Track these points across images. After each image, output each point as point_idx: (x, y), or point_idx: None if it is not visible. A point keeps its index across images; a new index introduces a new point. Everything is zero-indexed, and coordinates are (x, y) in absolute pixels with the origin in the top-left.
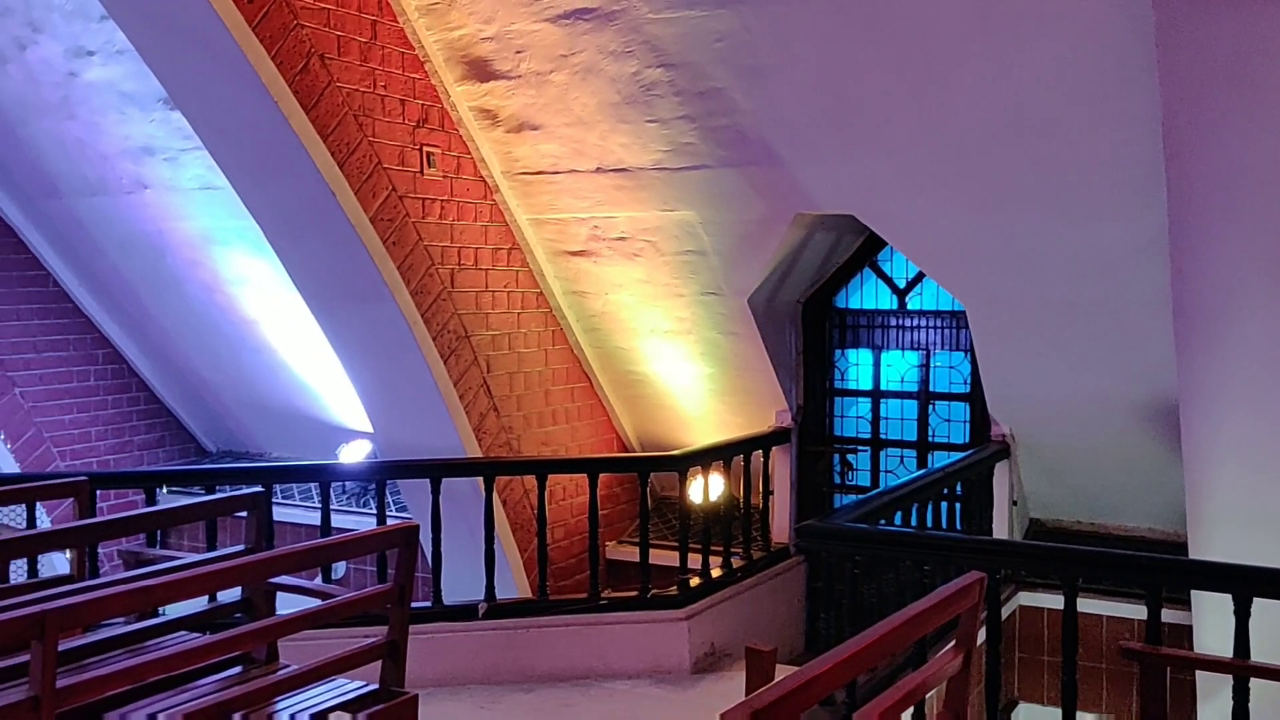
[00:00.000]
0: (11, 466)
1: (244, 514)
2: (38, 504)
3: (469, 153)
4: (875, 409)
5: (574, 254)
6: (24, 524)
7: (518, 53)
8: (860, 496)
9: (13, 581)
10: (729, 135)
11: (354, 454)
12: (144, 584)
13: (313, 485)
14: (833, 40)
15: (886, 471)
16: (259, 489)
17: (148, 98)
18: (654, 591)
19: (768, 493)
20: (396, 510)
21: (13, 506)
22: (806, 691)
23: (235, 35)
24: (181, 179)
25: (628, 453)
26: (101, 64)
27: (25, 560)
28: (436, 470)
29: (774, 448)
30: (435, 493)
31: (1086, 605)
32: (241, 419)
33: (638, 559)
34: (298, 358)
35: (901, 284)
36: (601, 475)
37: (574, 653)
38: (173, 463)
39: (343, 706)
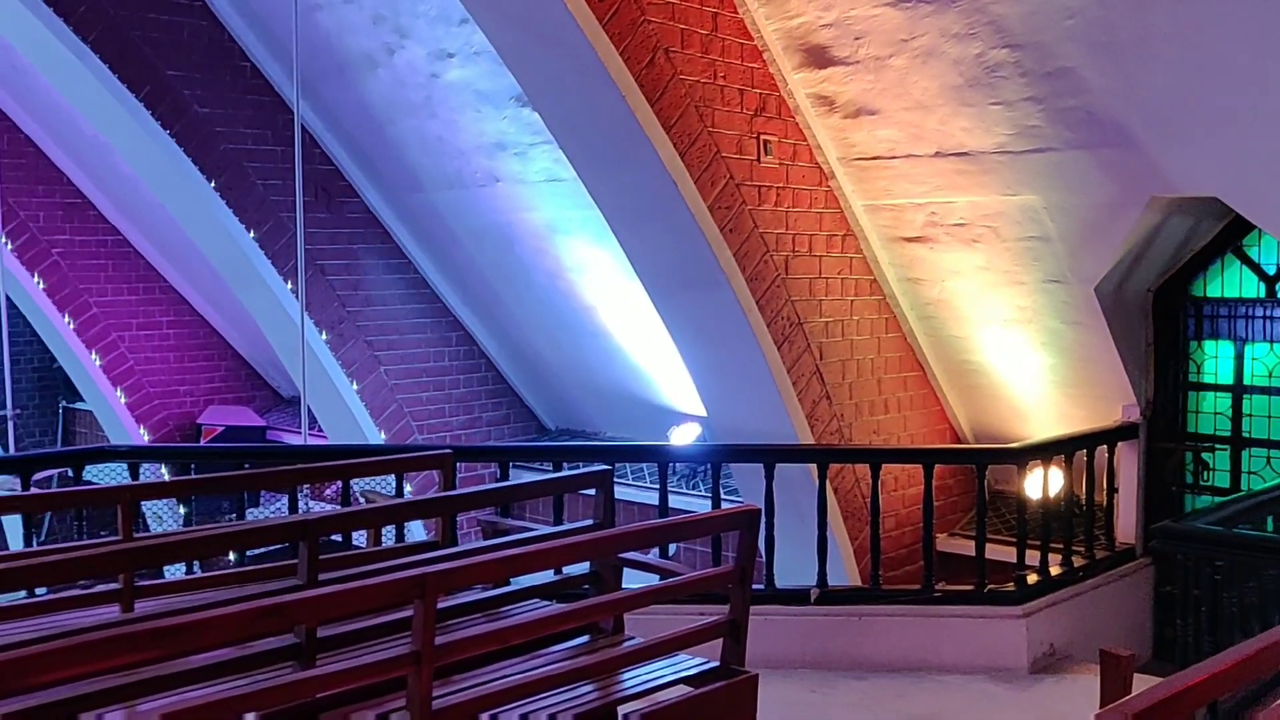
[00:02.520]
0: (377, 439)
1: (589, 490)
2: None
3: (805, 140)
4: (1236, 405)
5: (909, 240)
6: (392, 492)
7: (856, 38)
8: (1220, 499)
9: (384, 545)
10: (1078, 116)
11: (684, 437)
12: (513, 553)
13: (644, 465)
14: (1198, 10)
15: (1250, 473)
16: (606, 467)
17: (501, 96)
18: (990, 586)
19: (1112, 490)
20: (726, 494)
21: (382, 476)
22: (1184, 699)
23: (587, 33)
24: (530, 172)
25: (961, 444)
26: (460, 65)
27: (393, 526)
28: (771, 455)
29: (1119, 443)
30: (769, 478)
31: None
32: (579, 399)
33: (970, 552)
34: (633, 342)
35: (1271, 270)
36: (935, 466)
37: (906, 643)
38: (516, 439)
39: (685, 681)
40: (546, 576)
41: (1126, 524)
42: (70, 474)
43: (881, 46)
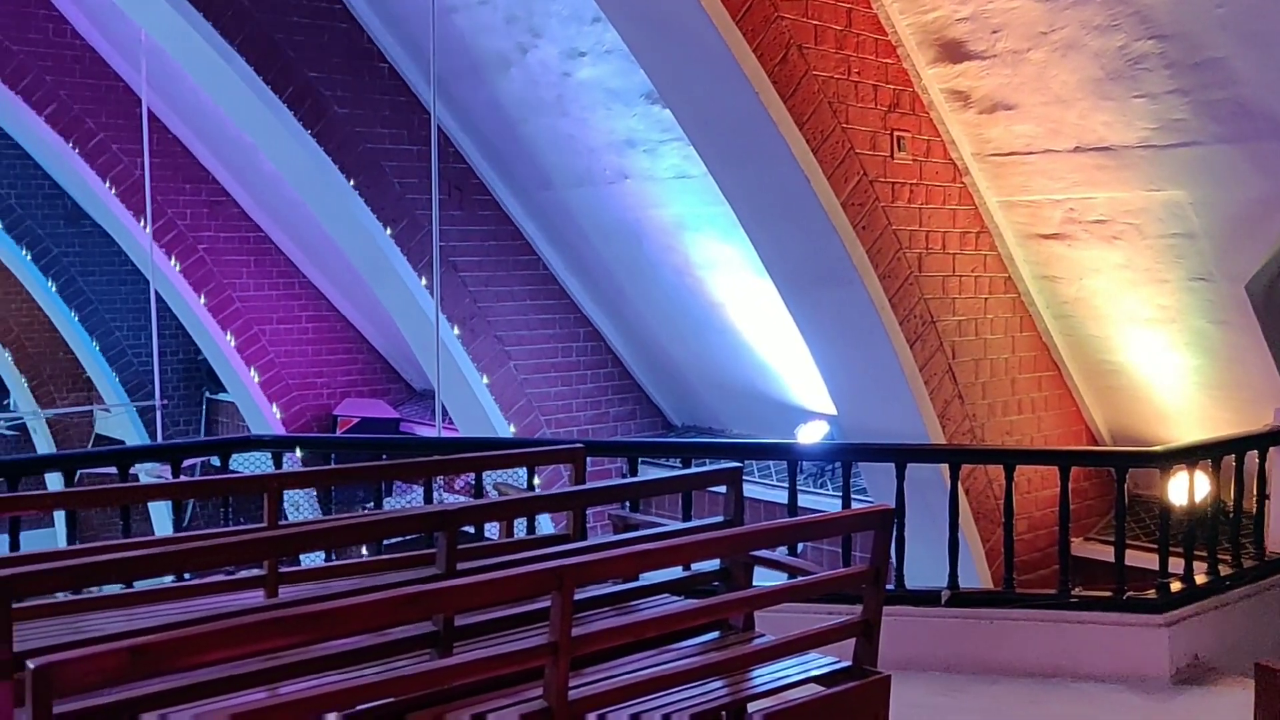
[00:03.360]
0: (506, 432)
1: (718, 488)
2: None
3: (939, 136)
4: None
5: (1046, 237)
6: (522, 485)
7: (994, 32)
8: None
9: (515, 537)
10: (1228, 109)
11: (811, 435)
12: (649, 547)
13: (769, 463)
14: None
15: None
16: (737, 464)
17: (631, 93)
18: (1130, 593)
19: (1263, 497)
20: (854, 493)
21: (513, 470)
22: None
23: (720, 29)
24: (659, 169)
25: (1098, 446)
26: (591, 64)
27: (525, 518)
28: (902, 455)
29: (1271, 448)
30: (900, 477)
31: None
32: (704, 396)
33: (1106, 558)
34: (760, 339)
35: None
36: (1072, 469)
37: (1040, 649)
38: (642, 435)
39: (816, 680)
40: (675, 572)
41: (1278, 532)
42: (216, 462)
43: (1019, 40)
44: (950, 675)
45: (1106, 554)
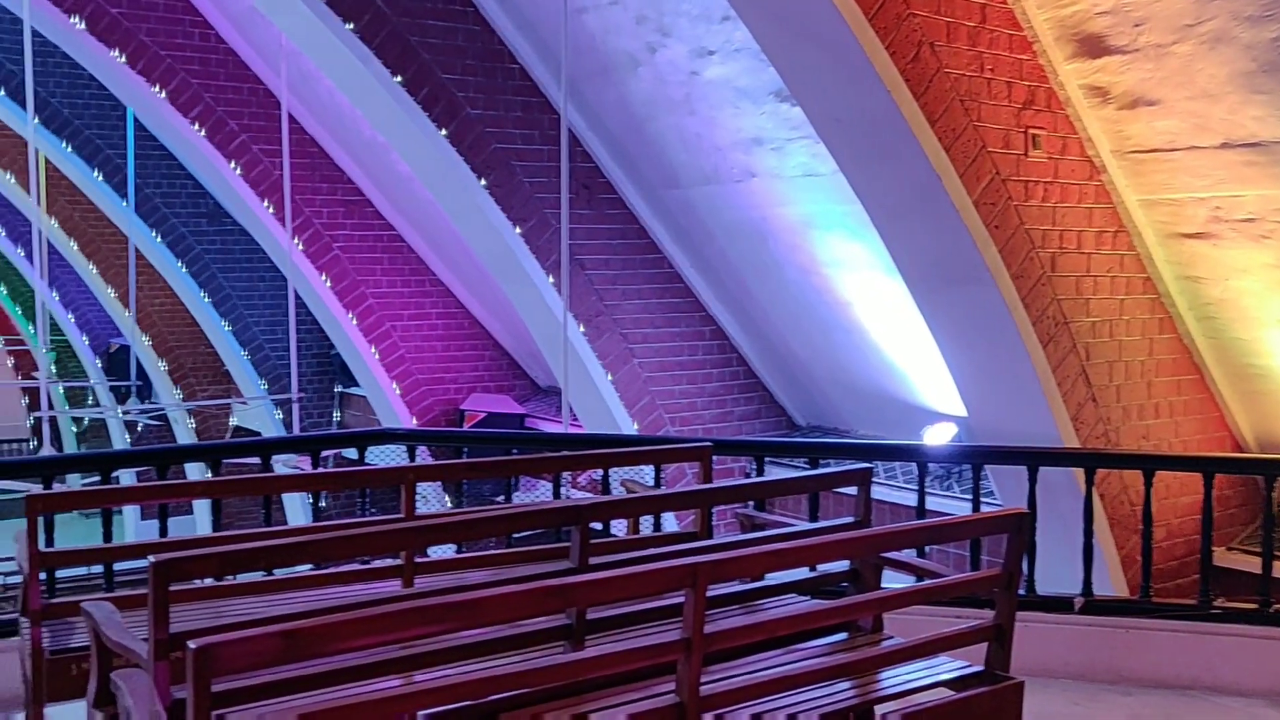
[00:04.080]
0: (629, 429)
1: (846, 489)
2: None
3: (1075, 133)
4: None
5: (1190, 236)
6: (649, 482)
7: (1136, 25)
8: None
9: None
10: None
11: (938, 436)
12: (781, 546)
13: (896, 464)
14: None
15: None
16: (867, 465)
17: (760, 91)
18: (1276, 606)
19: None
20: (983, 496)
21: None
22: None
23: (852, 27)
24: (786, 167)
25: (1244, 452)
26: (720, 62)
27: (652, 516)
28: (1035, 458)
29: None
30: (1032, 481)
31: None
32: (830, 396)
33: (1251, 568)
34: (888, 339)
35: None
36: (1215, 475)
37: (1177, 660)
38: (767, 434)
39: (946, 684)
40: (800, 572)
41: None
42: (349, 455)
43: (1163, 33)
44: (1082, 684)
45: (1250, 565)
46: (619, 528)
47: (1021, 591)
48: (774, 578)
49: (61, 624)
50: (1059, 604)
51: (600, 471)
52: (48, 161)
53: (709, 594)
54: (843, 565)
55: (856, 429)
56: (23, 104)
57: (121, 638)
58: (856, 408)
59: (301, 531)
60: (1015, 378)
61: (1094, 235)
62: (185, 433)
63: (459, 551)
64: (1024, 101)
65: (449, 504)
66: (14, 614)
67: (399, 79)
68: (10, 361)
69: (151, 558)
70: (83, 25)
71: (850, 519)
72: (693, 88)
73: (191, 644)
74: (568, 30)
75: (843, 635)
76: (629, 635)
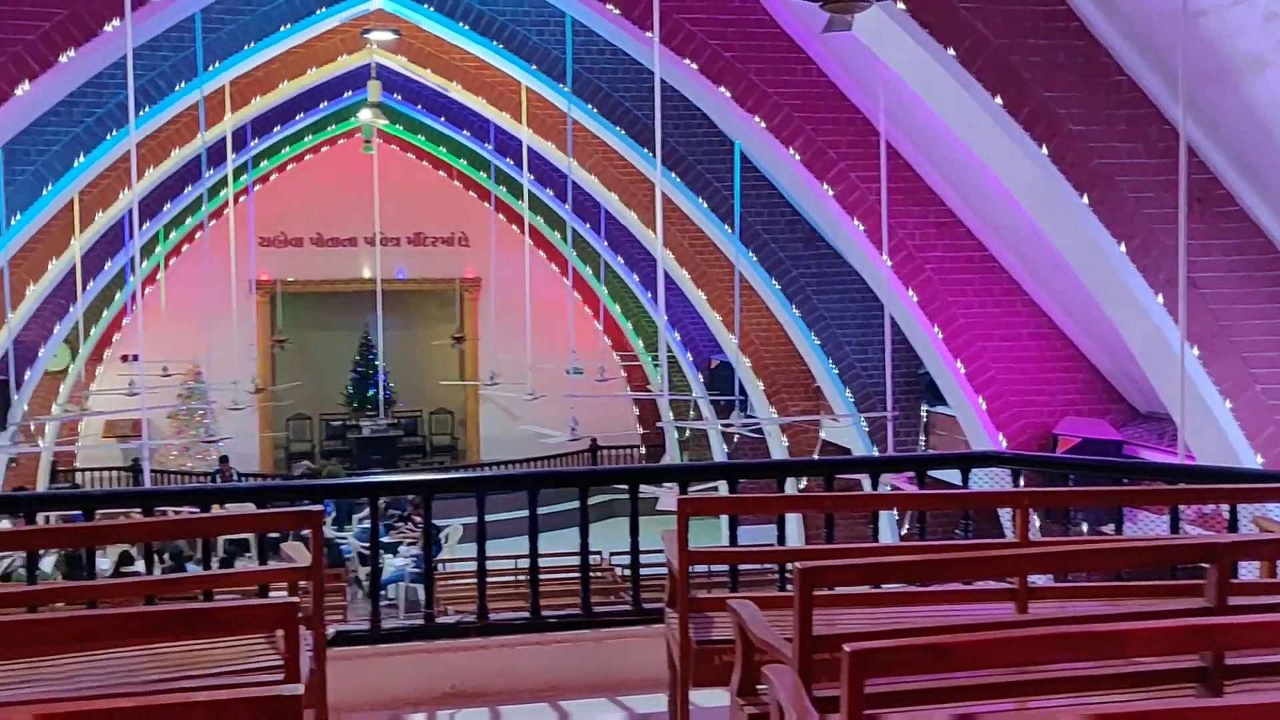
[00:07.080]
0: (1251, 462)
1: None
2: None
3: None
4: None
5: None
6: None
7: None
8: None
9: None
10: None
11: None
12: None
13: None
14: None
15: None
16: None
17: None
18: None
19: None
20: None
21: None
22: None
23: None
24: None
25: None
26: None
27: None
28: None
29: None
30: None
31: None
32: None
33: None
34: None
35: None
36: None
37: None
38: None
39: None
40: None
41: None
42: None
43: None
44: None
45: None
46: (1245, 570)
47: None
48: None
49: (701, 617)
50: None
51: (1214, 506)
52: (664, 196)
53: None
54: None
55: None
56: (651, 150)
57: (766, 635)
58: None
59: (939, 550)
60: None
61: None
62: (777, 447)
63: (1055, 580)
64: None
65: (1037, 530)
66: (658, 604)
67: (999, 100)
68: (622, 374)
69: (797, 565)
70: (695, 66)
71: None
72: None
73: (847, 647)
74: (1187, 36)
75: None
76: (1270, 685)
